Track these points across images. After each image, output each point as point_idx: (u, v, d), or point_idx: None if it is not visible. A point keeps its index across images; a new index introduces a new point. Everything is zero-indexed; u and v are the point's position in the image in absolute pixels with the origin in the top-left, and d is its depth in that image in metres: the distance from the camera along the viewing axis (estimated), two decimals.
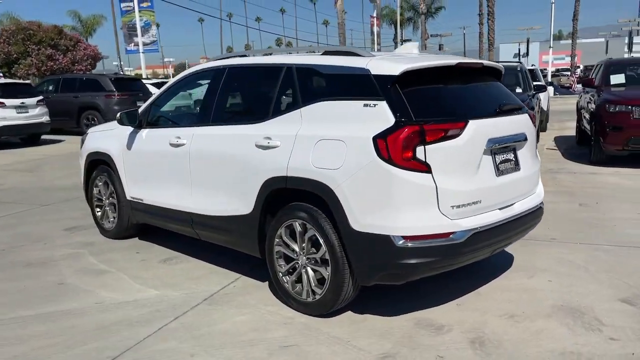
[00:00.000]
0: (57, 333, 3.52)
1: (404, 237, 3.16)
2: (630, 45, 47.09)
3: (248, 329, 3.50)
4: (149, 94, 17.52)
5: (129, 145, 5.06)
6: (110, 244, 5.43)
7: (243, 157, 3.92)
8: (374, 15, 36.97)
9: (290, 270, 3.75)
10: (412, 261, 3.19)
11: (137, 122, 4.91)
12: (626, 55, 51.72)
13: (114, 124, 5.59)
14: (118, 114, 5.07)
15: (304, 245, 3.62)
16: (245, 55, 4.47)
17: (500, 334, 3.33)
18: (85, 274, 4.61)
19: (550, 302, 3.76)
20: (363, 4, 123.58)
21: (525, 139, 3.80)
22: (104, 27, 57.39)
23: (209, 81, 4.52)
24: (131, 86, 17.17)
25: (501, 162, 3.57)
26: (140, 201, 5.04)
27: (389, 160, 3.13)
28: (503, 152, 3.60)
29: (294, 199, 3.66)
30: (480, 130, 3.36)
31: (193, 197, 4.40)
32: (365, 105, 3.31)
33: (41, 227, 6.19)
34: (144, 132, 4.93)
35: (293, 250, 3.70)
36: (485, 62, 3.88)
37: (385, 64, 3.37)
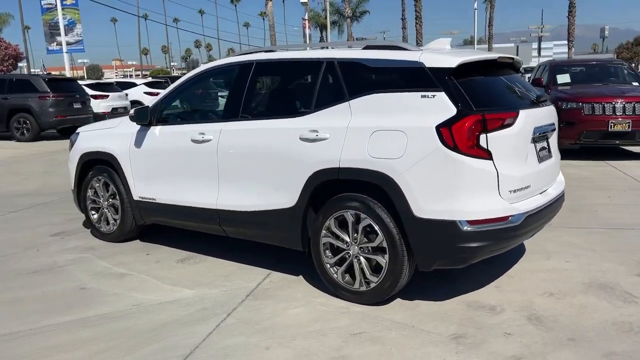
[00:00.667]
0: (109, 337, 3.37)
1: (469, 222, 3.30)
2: (539, 50, 50.26)
3: (309, 320, 3.51)
4: (86, 95, 16.79)
5: (138, 144, 4.88)
6: (114, 248, 5.20)
7: (285, 150, 3.91)
8: (306, 17, 37.25)
9: (339, 261, 3.79)
10: (475, 245, 3.34)
11: (148, 119, 4.74)
12: (535, 60, 55.14)
13: (111, 122, 5.40)
14: (131, 111, 4.87)
15: (355, 235, 3.67)
16: (272, 51, 4.45)
17: (550, 310, 3.55)
18: (104, 278, 4.41)
19: (579, 280, 4.04)
20: (284, 7, 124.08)
21: (554, 129, 4.07)
22: (11, 25, 54.04)
23: (232, 77, 4.47)
24: (66, 87, 16.31)
25: (540, 150, 3.80)
26: (152, 201, 4.88)
27: (454, 148, 3.26)
28: (541, 140, 3.84)
29: (344, 190, 3.71)
30: (528, 119, 3.57)
31: (221, 193, 4.33)
32: (423, 96, 3.42)
33: (23, 234, 5.81)
34: (157, 130, 4.77)
35: (343, 241, 3.74)
36: (515, 57, 4.11)
37: (439, 56, 3.50)
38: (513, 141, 3.46)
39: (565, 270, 4.26)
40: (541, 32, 52.07)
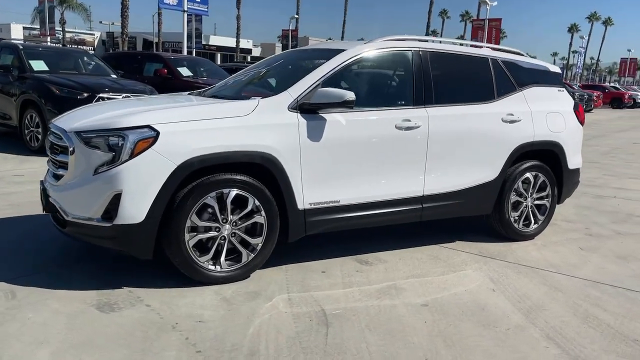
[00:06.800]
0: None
1: (579, 169, 5.45)
2: None
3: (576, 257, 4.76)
4: None
5: (314, 137, 3.86)
6: (267, 282, 3.79)
7: (491, 131, 4.68)
8: None
9: (519, 214, 4.99)
10: (579, 179, 5.52)
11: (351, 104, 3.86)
12: None
13: (216, 109, 3.83)
14: (350, 96, 3.72)
15: (531, 190, 5.03)
16: (425, 40, 4.72)
17: None
18: (386, 296, 3.67)
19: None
20: None
21: None
22: None
23: (405, 62, 4.46)
24: None
25: None
26: (333, 204, 3.99)
27: (581, 123, 5.33)
28: None
29: (524, 159, 4.96)
30: None
31: (428, 179, 4.40)
32: (559, 90, 5.25)
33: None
34: (339, 117, 3.96)
35: (523, 196, 4.99)
36: None
37: (552, 65, 5.37)
38: None
39: None
40: None
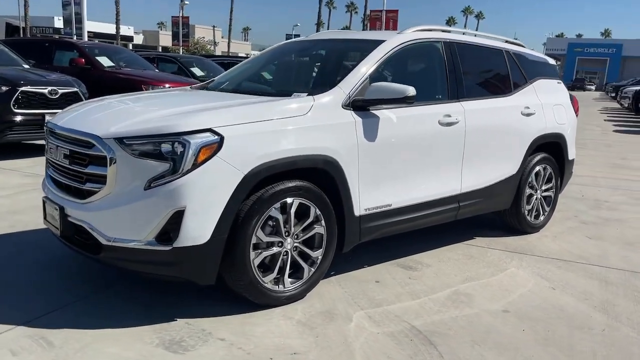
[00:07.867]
0: None
1: (574, 159, 5.58)
2: None
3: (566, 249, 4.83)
4: None
5: (370, 136, 3.54)
6: (329, 301, 3.43)
7: (513, 125, 4.64)
8: None
9: (531, 207, 5.01)
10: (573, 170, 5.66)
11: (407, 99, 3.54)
12: None
13: (269, 107, 3.31)
14: (411, 91, 3.40)
15: (540, 182, 5.07)
16: (448, 31, 4.52)
17: None
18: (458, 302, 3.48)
19: None
20: None
21: None
22: None
23: (435, 54, 4.24)
24: None
25: None
26: (386, 209, 3.71)
27: (576, 113, 5.45)
28: None
29: (537, 151, 4.97)
30: None
31: (464, 176, 4.25)
32: (558, 82, 5.33)
33: None
34: (390, 114, 3.67)
35: (534, 188, 5.01)
36: None
37: (550, 58, 5.42)
38: None
39: None
40: None
